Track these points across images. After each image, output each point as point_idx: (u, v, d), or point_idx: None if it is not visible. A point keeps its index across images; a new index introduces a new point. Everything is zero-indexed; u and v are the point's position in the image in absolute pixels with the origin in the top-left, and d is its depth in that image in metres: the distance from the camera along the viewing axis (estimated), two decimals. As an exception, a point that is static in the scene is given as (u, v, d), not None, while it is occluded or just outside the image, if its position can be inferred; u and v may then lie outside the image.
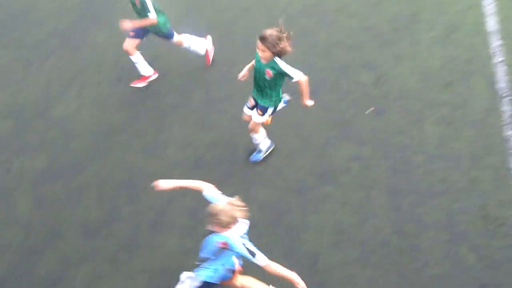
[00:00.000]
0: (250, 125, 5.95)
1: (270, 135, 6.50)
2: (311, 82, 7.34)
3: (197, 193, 5.91)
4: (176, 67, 7.42)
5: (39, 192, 5.96)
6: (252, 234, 5.46)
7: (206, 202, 5.78)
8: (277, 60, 5.21)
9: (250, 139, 6.14)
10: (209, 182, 5.96)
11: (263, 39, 5.04)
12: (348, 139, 6.60)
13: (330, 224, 5.64)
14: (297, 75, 5.31)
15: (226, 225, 4.09)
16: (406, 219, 5.67)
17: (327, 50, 7.69)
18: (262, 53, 5.13)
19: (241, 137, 6.63)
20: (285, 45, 5.08)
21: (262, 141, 6.20)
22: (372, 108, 6.83)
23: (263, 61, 5.25)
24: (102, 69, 7.39)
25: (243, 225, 4.33)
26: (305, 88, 5.46)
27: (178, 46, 7.03)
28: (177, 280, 5.07)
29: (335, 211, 5.78)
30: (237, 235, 4.19)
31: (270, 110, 5.70)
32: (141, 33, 6.64)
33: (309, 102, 5.64)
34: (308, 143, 6.57)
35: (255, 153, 6.32)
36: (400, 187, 5.99)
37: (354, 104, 6.98)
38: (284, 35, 5.04)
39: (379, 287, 5.10)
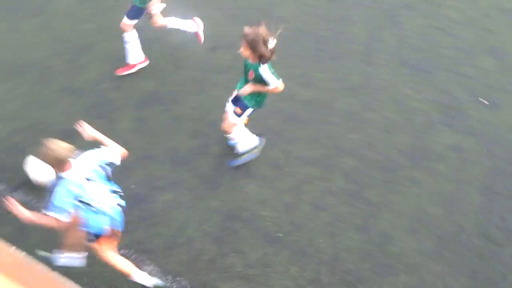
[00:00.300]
0: (224, 125, 5.45)
1: (372, 105, 6.28)
2: (432, 58, 6.96)
3: (286, 147, 5.96)
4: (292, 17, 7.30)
5: (141, 113, 6.29)
6: (331, 201, 5.47)
7: (290, 155, 5.83)
8: (262, 65, 4.83)
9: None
10: (296, 139, 6.00)
11: (243, 36, 4.66)
12: (453, 126, 6.22)
13: (412, 210, 5.45)
14: (274, 83, 4.91)
15: (55, 166, 3.90)
16: (495, 224, 5.32)
17: (455, 27, 7.16)
18: (242, 50, 4.77)
19: (340, 98, 6.50)
20: (264, 50, 4.65)
21: (242, 140, 5.58)
22: (486, 102, 6.32)
23: (249, 60, 4.90)
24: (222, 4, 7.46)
25: (80, 169, 4.02)
26: (272, 92, 5.04)
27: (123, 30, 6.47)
28: (249, 228, 5.24)
29: (421, 197, 5.55)
30: (66, 184, 3.93)
31: (249, 111, 5.29)
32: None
33: (246, 89, 5.06)
34: (410, 121, 6.29)
35: (233, 160, 5.70)
36: (497, 189, 5.60)
37: (469, 90, 6.52)
38: (265, 38, 4.61)
39: (446, 285, 4.91)
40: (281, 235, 5.18)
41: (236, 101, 5.35)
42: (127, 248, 4.93)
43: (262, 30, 4.65)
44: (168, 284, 4.74)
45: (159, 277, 4.75)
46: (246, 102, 5.24)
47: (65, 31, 7.23)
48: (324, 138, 6.07)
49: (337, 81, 6.74)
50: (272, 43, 4.75)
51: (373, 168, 5.78)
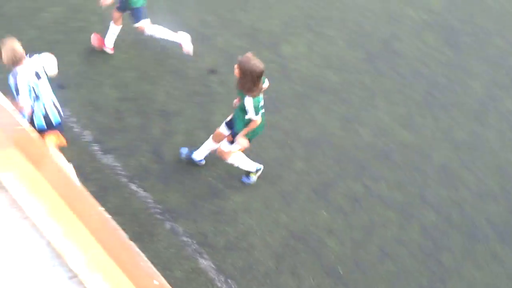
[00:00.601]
0: (218, 151, 5.30)
1: (471, 165, 5.96)
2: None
3: (370, 183, 5.79)
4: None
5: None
6: (401, 251, 5.25)
7: (372, 193, 5.66)
8: (247, 96, 4.71)
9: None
10: (381, 178, 5.81)
11: (238, 60, 4.61)
12: (555, 211, 5.74)
13: (485, 286, 5.08)
14: (252, 116, 4.84)
15: (12, 61, 4.46)
16: None
17: None
18: (235, 72, 4.70)
19: (439, 149, 6.22)
20: (249, 83, 4.59)
21: (243, 163, 5.39)
22: None
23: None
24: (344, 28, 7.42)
25: (31, 67, 4.58)
26: (251, 127, 4.94)
27: (140, 32, 6.45)
28: (311, 252, 5.15)
29: (498, 276, 5.16)
30: (24, 72, 4.51)
31: (240, 139, 5.05)
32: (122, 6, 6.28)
33: (243, 141, 5.03)
34: (507, 193, 5.89)
35: (244, 176, 5.60)
36: None
37: None
38: (254, 73, 4.53)
39: None
40: (341, 270, 5.04)
41: (231, 126, 5.23)
42: (190, 237, 5.04)
43: (257, 64, 4.59)
44: (219, 284, 4.79)
45: (213, 274, 4.81)
46: (235, 125, 5.11)
47: (191, 19, 7.49)
48: (411, 185, 5.83)
49: (440, 131, 6.46)
50: (264, 82, 4.77)
51: (454, 230, 5.47)
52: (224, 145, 5.27)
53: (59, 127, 4.85)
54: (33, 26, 6.49)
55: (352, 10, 7.66)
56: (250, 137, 5.18)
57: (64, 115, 5.06)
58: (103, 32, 6.50)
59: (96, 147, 5.60)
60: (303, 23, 7.63)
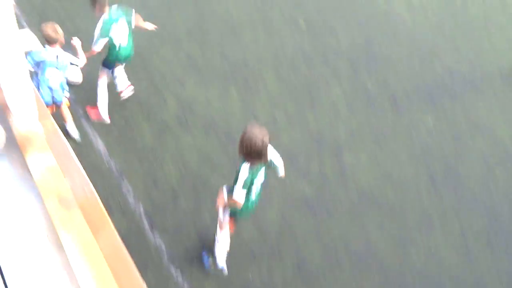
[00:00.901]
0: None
1: None
2: None
3: None
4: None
5: (290, 216, 6.35)
6: None
7: None
8: (244, 162, 4.46)
9: None
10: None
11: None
12: None
13: None
14: (236, 195, 4.52)
15: (46, 38, 5.45)
16: None
17: None
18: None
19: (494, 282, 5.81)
20: (243, 149, 4.38)
21: (220, 246, 5.09)
22: None
23: None
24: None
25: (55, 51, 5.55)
26: (232, 202, 4.62)
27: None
28: None
29: None
30: (43, 53, 5.52)
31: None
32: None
33: (220, 201, 4.79)
34: None
35: (205, 253, 5.38)
36: None
37: None
38: (252, 144, 4.32)
39: None
40: None
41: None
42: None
43: (256, 140, 4.32)
44: None
45: None
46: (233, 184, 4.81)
47: (261, 111, 7.67)
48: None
49: (497, 267, 6.02)
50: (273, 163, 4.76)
51: None
52: (220, 211, 5.05)
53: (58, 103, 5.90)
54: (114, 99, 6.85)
55: (420, 128, 7.64)
56: (237, 214, 5.00)
57: (121, 182, 5.21)
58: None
59: (145, 221, 5.65)
60: (369, 134, 7.63)
